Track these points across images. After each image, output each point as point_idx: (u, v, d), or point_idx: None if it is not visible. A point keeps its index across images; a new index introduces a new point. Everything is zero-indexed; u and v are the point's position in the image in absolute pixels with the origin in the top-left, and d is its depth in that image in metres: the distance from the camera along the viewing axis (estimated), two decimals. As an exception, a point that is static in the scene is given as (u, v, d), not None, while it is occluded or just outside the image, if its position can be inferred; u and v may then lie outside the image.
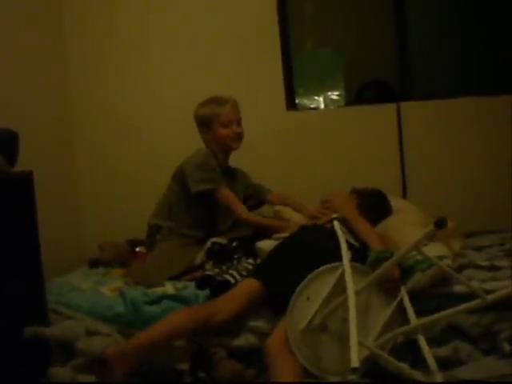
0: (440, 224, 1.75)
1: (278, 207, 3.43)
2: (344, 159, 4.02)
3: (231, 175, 3.47)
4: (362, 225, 2.76)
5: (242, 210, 3.22)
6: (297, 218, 3.23)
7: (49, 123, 3.68)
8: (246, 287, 2.50)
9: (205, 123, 3.33)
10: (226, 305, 2.42)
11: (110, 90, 4.08)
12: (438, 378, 2.05)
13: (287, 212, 3.35)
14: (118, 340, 2.36)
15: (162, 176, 3.40)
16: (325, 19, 4.57)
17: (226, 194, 3.23)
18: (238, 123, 3.35)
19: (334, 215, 2.85)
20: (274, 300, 2.46)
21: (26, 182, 2.29)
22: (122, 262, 3.29)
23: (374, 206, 3.03)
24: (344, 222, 2.79)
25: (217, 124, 3.29)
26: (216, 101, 3.33)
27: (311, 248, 2.59)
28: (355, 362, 1.65)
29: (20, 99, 3.30)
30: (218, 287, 2.59)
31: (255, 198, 3.58)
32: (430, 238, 2.78)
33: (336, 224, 2.72)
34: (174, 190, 3.32)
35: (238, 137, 3.35)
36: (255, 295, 2.48)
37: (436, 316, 2.08)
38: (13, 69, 3.29)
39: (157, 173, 3.68)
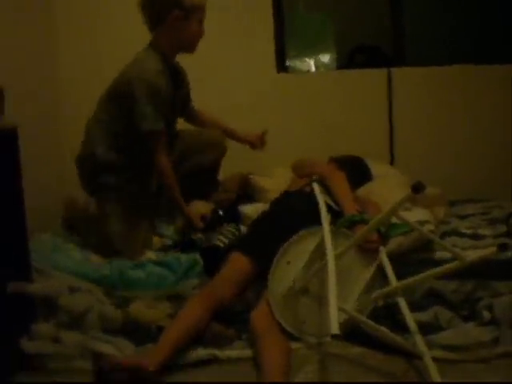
0: (417, 188, 1.73)
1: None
2: (333, 123, 4.01)
3: (177, 75, 3.12)
4: (336, 180, 2.71)
5: (167, 164, 2.92)
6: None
7: (35, 79, 3.63)
8: (237, 266, 2.43)
9: (182, 13, 2.88)
10: (227, 290, 2.36)
11: (97, 47, 4.02)
12: (418, 339, 2.07)
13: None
14: (100, 298, 2.37)
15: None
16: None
17: (162, 141, 2.91)
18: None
19: (314, 177, 2.81)
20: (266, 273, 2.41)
21: (10, 137, 2.26)
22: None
23: (353, 171, 2.98)
24: (322, 182, 2.75)
25: (195, 19, 2.91)
26: None
27: (293, 214, 2.57)
28: (336, 329, 1.65)
29: (5, 53, 3.25)
30: (209, 252, 2.58)
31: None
32: (414, 202, 2.81)
33: (315, 186, 2.69)
34: (117, 116, 2.94)
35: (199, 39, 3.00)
36: (248, 272, 2.43)
37: (416, 277, 2.08)
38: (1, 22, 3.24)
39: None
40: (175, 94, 3.06)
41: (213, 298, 2.29)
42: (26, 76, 3.44)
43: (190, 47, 3.01)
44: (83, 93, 3.87)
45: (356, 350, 2.23)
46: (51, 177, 3.76)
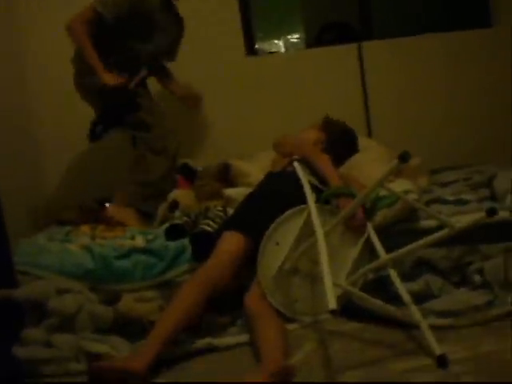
0: (404, 157, 1.73)
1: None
2: (307, 103, 3.98)
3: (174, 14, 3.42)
4: (320, 161, 2.68)
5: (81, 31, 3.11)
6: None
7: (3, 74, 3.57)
8: (232, 244, 2.37)
9: None
10: (223, 271, 2.28)
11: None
12: (413, 309, 2.07)
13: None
14: (89, 297, 2.33)
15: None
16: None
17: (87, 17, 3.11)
18: None
19: (295, 157, 2.77)
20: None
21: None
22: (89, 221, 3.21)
23: (343, 142, 2.97)
24: (304, 161, 2.72)
25: None
26: None
27: (278, 194, 2.53)
28: (333, 304, 1.64)
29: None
30: (198, 238, 2.54)
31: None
32: (396, 173, 2.80)
33: (297, 165, 2.66)
34: None
35: None
36: (243, 249, 2.36)
37: (405, 249, 2.08)
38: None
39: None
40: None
41: (207, 281, 2.23)
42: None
43: None
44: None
45: (351, 326, 2.25)
46: (27, 174, 3.70)
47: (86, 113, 3.31)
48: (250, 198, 2.64)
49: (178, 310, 2.12)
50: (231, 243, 2.36)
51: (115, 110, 3.20)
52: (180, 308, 2.12)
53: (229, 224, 2.50)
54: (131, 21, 3.16)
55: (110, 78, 3.10)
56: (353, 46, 4.02)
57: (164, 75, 3.57)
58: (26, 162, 3.71)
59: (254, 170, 3.13)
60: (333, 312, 1.65)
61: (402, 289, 2.15)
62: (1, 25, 3.70)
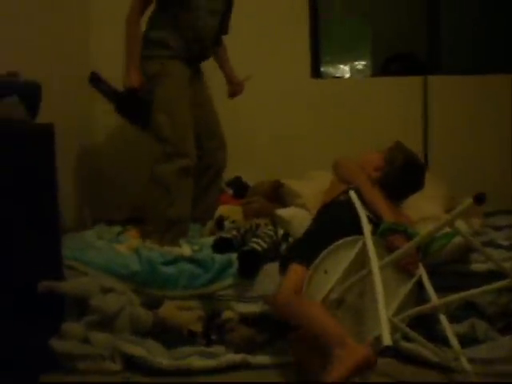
0: (479, 199, 1.67)
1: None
2: (367, 129, 3.96)
3: None
4: (370, 195, 2.58)
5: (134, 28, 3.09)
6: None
7: (70, 76, 3.64)
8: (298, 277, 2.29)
9: None
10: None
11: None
12: (462, 358, 2.01)
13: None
14: (131, 299, 2.35)
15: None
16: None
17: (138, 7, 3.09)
18: None
19: (351, 186, 2.67)
20: None
21: (46, 133, 2.26)
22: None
23: (404, 175, 2.73)
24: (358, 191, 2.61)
25: None
26: None
27: (335, 225, 2.47)
28: (388, 340, 1.60)
29: (43, 51, 3.26)
30: (246, 255, 2.53)
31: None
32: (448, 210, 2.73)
33: (353, 195, 2.57)
34: None
35: None
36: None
37: (459, 295, 2.04)
38: (38, 20, 3.25)
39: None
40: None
41: None
42: (60, 74, 3.45)
43: None
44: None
45: (385, 361, 2.18)
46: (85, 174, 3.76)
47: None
48: (309, 230, 2.58)
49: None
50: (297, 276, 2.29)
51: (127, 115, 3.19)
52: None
53: (294, 256, 2.40)
54: None
55: (134, 78, 3.03)
56: (418, 79, 3.99)
57: (222, 51, 3.48)
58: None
59: (306, 190, 3.08)
60: (387, 348, 1.61)
61: (451, 334, 2.09)
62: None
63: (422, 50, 4.22)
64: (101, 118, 3.91)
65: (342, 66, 4.51)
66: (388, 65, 4.39)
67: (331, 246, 2.30)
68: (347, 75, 4.48)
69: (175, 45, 3.11)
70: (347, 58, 4.49)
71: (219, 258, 2.56)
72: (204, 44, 3.20)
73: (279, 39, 3.95)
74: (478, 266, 2.57)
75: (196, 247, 2.74)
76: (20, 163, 2.12)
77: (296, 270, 2.29)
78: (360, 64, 4.52)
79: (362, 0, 4.48)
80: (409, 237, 2.32)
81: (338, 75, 4.47)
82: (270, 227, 2.75)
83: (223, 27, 3.35)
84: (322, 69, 4.29)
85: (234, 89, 3.43)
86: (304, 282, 2.23)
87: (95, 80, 3.20)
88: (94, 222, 3.43)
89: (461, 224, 2.71)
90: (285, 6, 3.96)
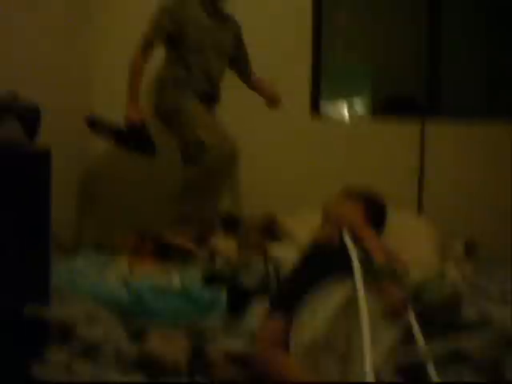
0: (470, 247, 1.67)
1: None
2: (362, 169, 3.98)
3: (222, 19, 3.48)
4: (367, 233, 2.61)
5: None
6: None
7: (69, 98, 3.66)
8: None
9: None
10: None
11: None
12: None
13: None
14: (117, 331, 2.32)
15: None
16: (355, 30, 4.54)
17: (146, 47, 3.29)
18: None
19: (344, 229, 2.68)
20: None
21: (43, 156, 2.25)
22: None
23: (377, 217, 2.83)
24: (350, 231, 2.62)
25: None
26: None
27: (327, 269, 2.47)
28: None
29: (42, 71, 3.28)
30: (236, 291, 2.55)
31: (238, 65, 3.64)
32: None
33: (347, 238, 2.55)
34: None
35: None
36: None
37: (448, 345, 2.02)
38: (40, 46, 3.28)
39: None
40: (218, 34, 3.42)
41: None
42: (60, 95, 3.47)
43: None
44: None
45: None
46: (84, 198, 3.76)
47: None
48: (296, 273, 2.55)
49: None
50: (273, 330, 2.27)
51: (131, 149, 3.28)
52: None
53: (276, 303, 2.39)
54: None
55: (134, 114, 3.18)
56: (416, 121, 4.02)
57: (246, 71, 3.69)
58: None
59: (300, 230, 3.10)
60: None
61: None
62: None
63: (421, 92, 4.25)
64: (99, 141, 3.90)
65: (339, 104, 4.54)
66: (387, 105, 4.42)
67: (321, 287, 2.29)
68: (345, 113, 4.52)
69: (187, 83, 3.21)
70: (345, 95, 4.53)
71: (208, 292, 2.55)
72: (213, 83, 3.30)
73: (282, 73, 3.97)
74: (469, 315, 2.56)
75: (187, 280, 2.73)
76: (13, 187, 2.11)
77: (275, 322, 2.27)
78: (358, 102, 4.56)
79: (364, 40, 4.52)
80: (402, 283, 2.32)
81: (336, 114, 4.51)
82: (262, 263, 2.76)
83: (240, 70, 3.65)
84: (321, 107, 4.31)
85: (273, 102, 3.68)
86: (281, 332, 2.21)
87: (91, 124, 3.27)
88: (88, 247, 3.41)
89: (452, 270, 2.72)
90: (288, 43, 4.01)
